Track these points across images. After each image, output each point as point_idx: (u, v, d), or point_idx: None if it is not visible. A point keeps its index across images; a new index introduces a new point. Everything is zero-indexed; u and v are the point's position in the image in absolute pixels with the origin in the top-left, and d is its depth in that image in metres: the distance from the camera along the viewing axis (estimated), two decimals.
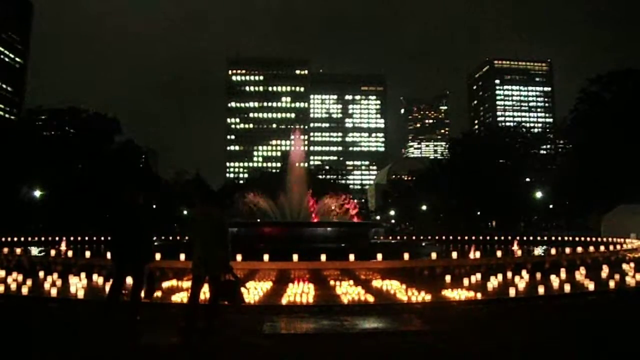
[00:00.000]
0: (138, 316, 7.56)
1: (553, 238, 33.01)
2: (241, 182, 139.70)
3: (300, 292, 9.79)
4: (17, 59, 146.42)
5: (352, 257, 12.55)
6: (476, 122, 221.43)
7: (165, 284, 11.22)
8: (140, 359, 6.12)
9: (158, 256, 13.00)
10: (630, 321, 8.29)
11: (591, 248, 18.29)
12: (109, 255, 9.71)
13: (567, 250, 16.63)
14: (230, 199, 26.39)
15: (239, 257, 12.39)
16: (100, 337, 6.99)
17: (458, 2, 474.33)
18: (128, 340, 6.92)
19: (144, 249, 7.70)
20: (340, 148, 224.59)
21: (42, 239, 31.05)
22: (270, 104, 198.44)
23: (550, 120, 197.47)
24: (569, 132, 66.15)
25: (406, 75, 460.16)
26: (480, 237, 34.70)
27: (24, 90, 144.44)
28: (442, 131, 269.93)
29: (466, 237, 34.42)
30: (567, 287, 10.50)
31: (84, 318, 8.30)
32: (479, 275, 11.86)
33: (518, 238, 32.36)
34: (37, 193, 59.27)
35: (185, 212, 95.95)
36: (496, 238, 34.58)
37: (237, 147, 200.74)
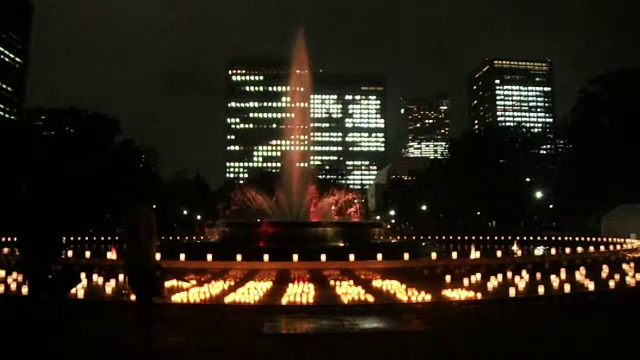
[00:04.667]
0: (62, 315, 7.48)
1: (553, 238, 33.00)
2: (241, 182, 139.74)
3: (300, 292, 9.79)
4: (17, 59, 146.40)
5: (352, 257, 12.54)
6: (476, 122, 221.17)
7: (165, 284, 11.20)
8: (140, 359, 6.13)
9: (158, 256, 13.03)
10: (630, 321, 8.29)
11: (591, 248, 18.30)
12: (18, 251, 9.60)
13: (567, 250, 16.61)
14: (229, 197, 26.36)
15: (239, 257, 12.39)
16: (99, 337, 6.99)
17: (458, 2, 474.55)
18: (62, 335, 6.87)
19: (47, 244, 7.56)
20: (340, 148, 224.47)
21: None
22: (270, 104, 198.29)
23: (550, 120, 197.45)
24: (569, 132, 66.10)
25: (406, 75, 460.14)
26: (480, 237, 34.67)
27: (24, 90, 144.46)
28: (442, 131, 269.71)
29: (466, 237, 34.41)
30: (567, 287, 10.51)
31: (84, 318, 8.30)
32: (479, 275, 11.86)
33: (518, 238, 32.34)
34: None
35: (185, 212, 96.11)
36: (496, 238, 34.56)
37: (237, 147, 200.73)
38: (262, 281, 11.18)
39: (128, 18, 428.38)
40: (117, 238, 27.64)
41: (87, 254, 14.54)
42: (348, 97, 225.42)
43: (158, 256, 12.95)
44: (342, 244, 18.73)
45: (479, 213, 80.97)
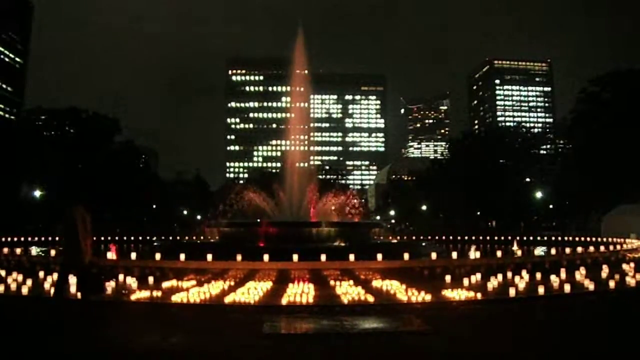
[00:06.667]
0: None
1: (553, 238, 32.99)
2: (241, 182, 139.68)
3: (300, 292, 9.79)
4: (17, 59, 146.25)
5: (352, 257, 12.54)
6: (476, 122, 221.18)
7: (166, 284, 11.21)
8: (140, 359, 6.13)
9: (158, 256, 13.04)
10: (630, 321, 8.29)
11: (591, 248, 18.29)
12: None
13: (567, 250, 16.61)
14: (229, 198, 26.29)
15: (239, 257, 12.38)
16: (99, 336, 6.99)
17: (458, 2, 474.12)
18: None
19: None
20: (340, 148, 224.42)
21: (42, 239, 31.00)
22: (270, 104, 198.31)
23: (550, 120, 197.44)
24: (569, 132, 66.14)
25: (406, 75, 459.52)
26: (480, 237, 34.66)
27: (24, 90, 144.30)
28: (442, 131, 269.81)
29: (466, 237, 34.40)
30: (567, 287, 10.50)
31: (84, 318, 8.30)
32: (479, 275, 11.85)
33: (518, 238, 32.34)
34: (37, 193, 59.23)
35: (185, 212, 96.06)
36: (496, 238, 34.55)
37: (237, 147, 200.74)
38: (262, 281, 11.17)
39: (128, 18, 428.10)
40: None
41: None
42: (348, 97, 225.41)
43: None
44: (342, 244, 18.73)
45: (479, 213, 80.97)
